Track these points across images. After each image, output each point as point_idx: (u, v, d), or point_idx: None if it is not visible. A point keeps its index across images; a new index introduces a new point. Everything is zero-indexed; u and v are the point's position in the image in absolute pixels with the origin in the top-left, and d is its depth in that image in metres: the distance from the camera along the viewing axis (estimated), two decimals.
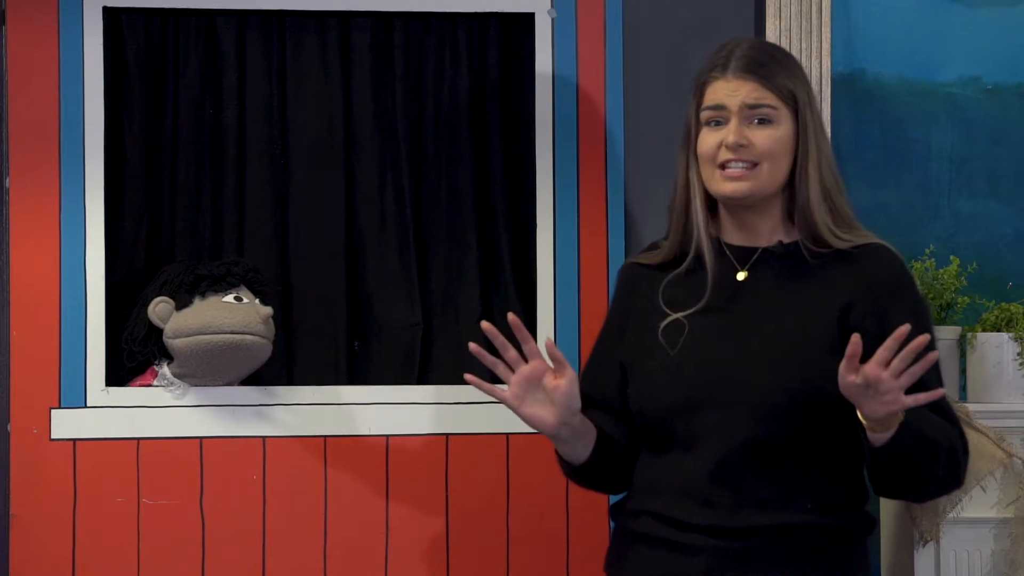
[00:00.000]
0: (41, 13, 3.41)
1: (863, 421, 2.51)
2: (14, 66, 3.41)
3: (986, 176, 3.84)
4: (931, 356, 2.44)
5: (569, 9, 3.50)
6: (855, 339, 2.44)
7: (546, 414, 2.66)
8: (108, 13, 3.44)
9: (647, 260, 2.82)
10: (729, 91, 2.67)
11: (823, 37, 3.62)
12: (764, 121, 2.67)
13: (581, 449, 2.73)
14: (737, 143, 2.65)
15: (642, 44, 3.55)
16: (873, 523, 2.71)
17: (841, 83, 3.71)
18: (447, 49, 3.61)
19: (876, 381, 2.44)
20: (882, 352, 2.44)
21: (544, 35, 3.50)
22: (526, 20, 3.51)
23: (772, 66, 2.69)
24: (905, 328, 2.42)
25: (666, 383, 2.69)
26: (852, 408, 2.54)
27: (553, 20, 3.50)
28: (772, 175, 2.68)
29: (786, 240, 2.72)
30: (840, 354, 2.51)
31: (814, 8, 3.62)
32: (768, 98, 2.66)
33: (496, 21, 3.59)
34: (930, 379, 2.56)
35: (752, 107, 2.66)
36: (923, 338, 2.42)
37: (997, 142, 3.83)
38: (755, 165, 2.67)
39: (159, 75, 3.55)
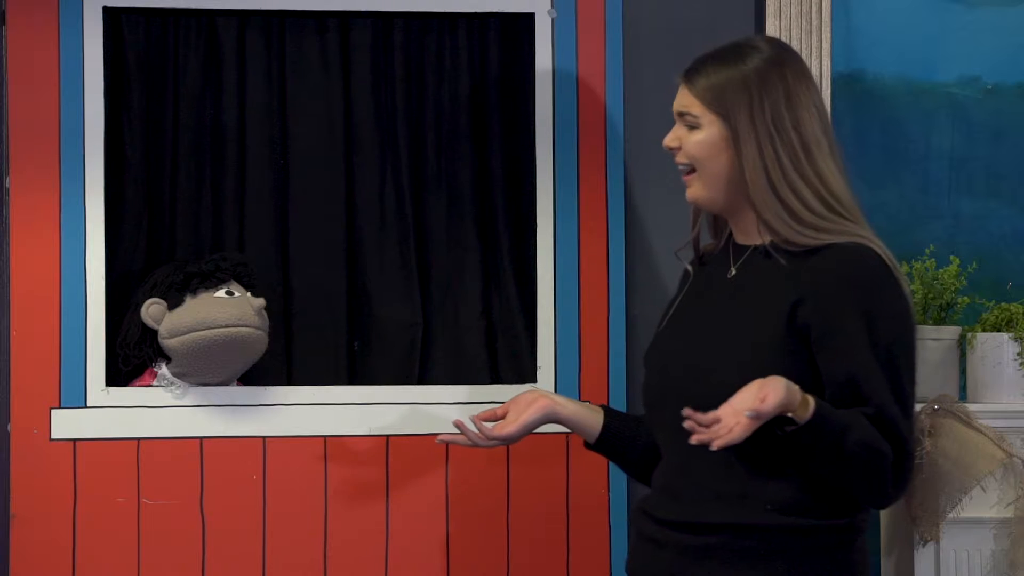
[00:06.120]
0: (41, 13, 3.40)
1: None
2: (14, 66, 3.40)
3: (986, 176, 3.84)
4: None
5: (569, 9, 3.50)
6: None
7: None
8: (108, 13, 3.44)
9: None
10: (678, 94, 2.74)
11: (823, 37, 3.63)
12: (693, 127, 2.70)
13: (588, 431, 2.91)
14: (667, 145, 2.73)
15: (642, 44, 3.55)
16: (855, 529, 2.65)
17: (841, 83, 3.71)
18: (447, 49, 3.61)
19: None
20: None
21: (544, 35, 3.50)
22: (526, 20, 3.51)
23: (707, 70, 2.68)
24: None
25: (647, 383, 2.80)
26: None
27: (553, 20, 3.50)
28: (709, 179, 2.69)
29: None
30: (789, 353, 2.58)
31: (814, 8, 3.62)
32: (692, 105, 2.69)
33: (496, 21, 3.59)
34: (873, 388, 2.55)
35: (680, 115, 2.71)
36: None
37: (997, 142, 3.83)
38: (693, 170, 2.71)
39: (159, 75, 3.55)
